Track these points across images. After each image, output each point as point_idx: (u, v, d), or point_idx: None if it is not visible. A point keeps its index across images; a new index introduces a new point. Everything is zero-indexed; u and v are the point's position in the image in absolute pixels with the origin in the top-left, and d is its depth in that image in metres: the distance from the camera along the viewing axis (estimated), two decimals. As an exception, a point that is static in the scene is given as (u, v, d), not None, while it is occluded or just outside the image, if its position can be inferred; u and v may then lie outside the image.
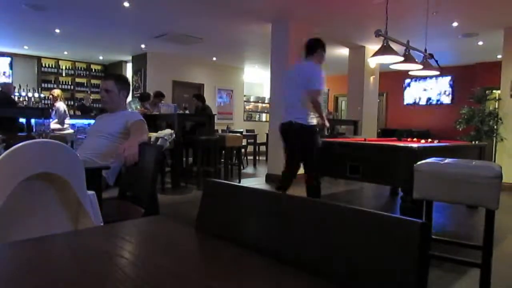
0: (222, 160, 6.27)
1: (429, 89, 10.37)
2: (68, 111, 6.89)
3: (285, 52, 6.22)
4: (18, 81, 9.05)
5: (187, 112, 7.02)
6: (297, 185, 3.79)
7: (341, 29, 6.79)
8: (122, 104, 2.66)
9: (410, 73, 5.24)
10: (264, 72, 10.94)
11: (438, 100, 10.23)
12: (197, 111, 6.88)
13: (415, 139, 4.73)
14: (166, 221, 1.12)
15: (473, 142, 4.83)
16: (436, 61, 5.14)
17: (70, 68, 10.34)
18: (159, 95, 7.22)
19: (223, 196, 0.96)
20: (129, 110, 6.17)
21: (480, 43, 7.37)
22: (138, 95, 7.63)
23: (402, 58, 4.29)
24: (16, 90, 8.81)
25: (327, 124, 3.85)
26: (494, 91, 7.58)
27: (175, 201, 4.72)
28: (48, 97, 8.38)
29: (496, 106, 6.77)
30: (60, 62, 10.15)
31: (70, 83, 10.30)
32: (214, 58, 10.03)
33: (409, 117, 10.65)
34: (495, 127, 6.40)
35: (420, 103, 10.56)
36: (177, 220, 1.01)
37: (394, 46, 4.16)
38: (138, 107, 6.70)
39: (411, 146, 3.19)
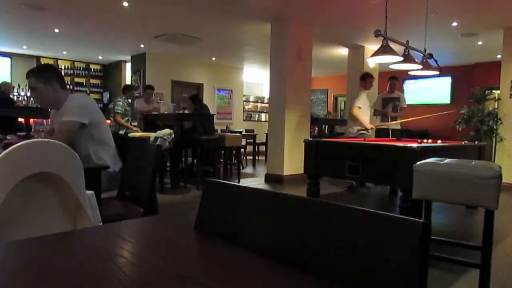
0: (221, 160, 6.26)
1: (428, 89, 10.36)
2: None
3: (284, 52, 6.21)
4: (17, 81, 9.03)
5: (186, 112, 6.99)
6: (296, 185, 3.78)
7: (341, 29, 6.79)
8: (60, 95, 2.40)
9: (409, 73, 5.23)
10: (264, 72, 10.93)
11: (437, 100, 10.22)
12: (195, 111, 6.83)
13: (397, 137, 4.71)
14: (165, 221, 1.12)
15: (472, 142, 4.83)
16: (436, 61, 5.13)
17: (69, 68, 10.33)
18: (149, 88, 6.91)
19: (222, 196, 0.95)
20: (118, 108, 6.05)
21: (480, 43, 7.37)
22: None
23: (401, 58, 4.28)
24: (15, 89, 8.81)
25: None
26: (493, 91, 7.58)
27: (174, 201, 4.71)
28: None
29: (496, 106, 6.77)
30: (59, 62, 10.14)
31: (69, 83, 10.27)
32: (214, 58, 10.02)
33: (408, 117, 10.62)
34: (495, 127, 6.40)
35: (419, 103, 10.55)
36: (176, 220, 1.01)
37: (393, 46, 4.15)
38: (126, 106, 6.20)
39: (411, 146, 3.19)
